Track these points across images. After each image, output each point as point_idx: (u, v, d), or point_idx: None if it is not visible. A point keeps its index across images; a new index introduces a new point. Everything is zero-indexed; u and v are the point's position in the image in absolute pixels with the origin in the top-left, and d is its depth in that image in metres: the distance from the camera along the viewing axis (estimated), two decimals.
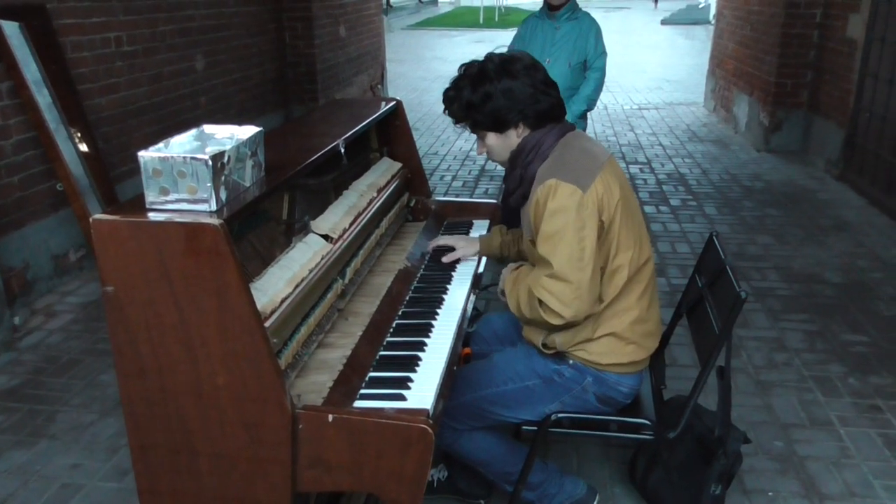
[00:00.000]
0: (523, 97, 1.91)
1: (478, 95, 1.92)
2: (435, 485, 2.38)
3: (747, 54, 7.70)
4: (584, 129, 4.14)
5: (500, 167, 2.09)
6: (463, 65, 2.01)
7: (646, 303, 1.98)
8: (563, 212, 1.79)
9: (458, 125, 2.04)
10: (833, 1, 6.31)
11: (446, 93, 2.01)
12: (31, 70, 3.80)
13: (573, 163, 1.88)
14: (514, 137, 1.97)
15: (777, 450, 2.64)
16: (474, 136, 2.06)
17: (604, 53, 3.93)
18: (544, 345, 1.97)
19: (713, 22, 10.17)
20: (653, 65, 13.83)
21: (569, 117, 3.87)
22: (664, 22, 23.49)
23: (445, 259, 2.40)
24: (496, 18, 25.74)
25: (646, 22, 23.96)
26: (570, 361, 1.98)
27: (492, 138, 1.99)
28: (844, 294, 3.90)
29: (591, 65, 3.92)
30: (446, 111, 2.04)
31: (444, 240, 2.51)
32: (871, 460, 2.57)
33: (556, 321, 1.83)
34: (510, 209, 2.13)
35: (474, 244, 2.45)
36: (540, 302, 1.83)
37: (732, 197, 5.64)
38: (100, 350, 3.38)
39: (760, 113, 7.14)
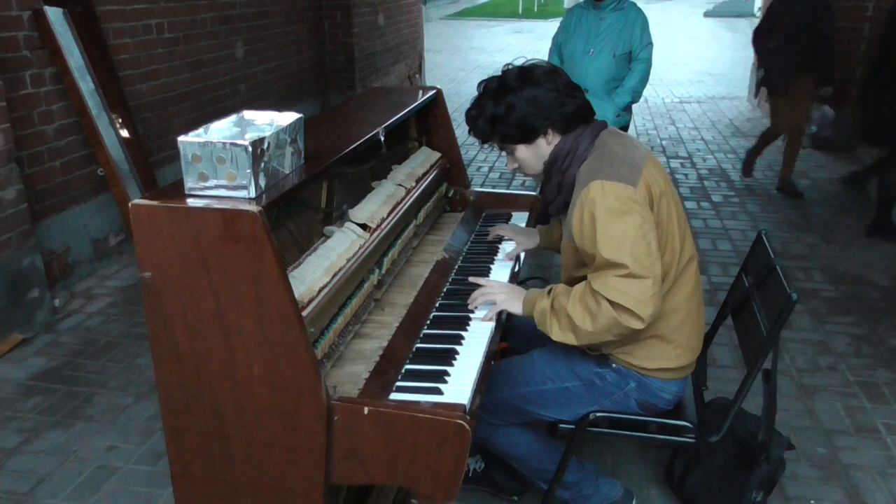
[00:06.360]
0: (548, 102, 1.85)
1: (501, 107, 1.86)
2: (470, 474, 2.35)
3: None
4: (628, 122, 4.06)
5: None
6: (481, 82, 1.95)
7: (694, 303, 1.91)
8: (620, 210, 1.71)
9: (485, 145, 1.96)
10: None
11: (468, 113, 1.94)
12: (74, 56, 3.84)
13: (616, 160, 1.80)
14: (544, 146, 1.91)
15: (820, 457, 2.56)
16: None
17: (650, 44, 3.84)
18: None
19: (758, 15, 9.92)
20: (694, 58, 13.58)
21: (613, 109, 3.80)
22: (707, 14, 23.07)
23: (507, 255, 2.34)
24: (535, 9, 25.54)
25: (687, 14, 23.55)
26: (613, 365, 1.92)
27: (522, 150, 1.92)
28: (893, 297, 3.76)
29: (636, 56, 3.83)
30: (471, 132, 1.96)
31: (502, 230, 2.46)
32: None
33: (635, 324, 1.70)
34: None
35: (534, 237, 2.40)
36: (613, 305, 1.71)
37: (776, 194, 5.50)
38: (137, 333, 3.42)
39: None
